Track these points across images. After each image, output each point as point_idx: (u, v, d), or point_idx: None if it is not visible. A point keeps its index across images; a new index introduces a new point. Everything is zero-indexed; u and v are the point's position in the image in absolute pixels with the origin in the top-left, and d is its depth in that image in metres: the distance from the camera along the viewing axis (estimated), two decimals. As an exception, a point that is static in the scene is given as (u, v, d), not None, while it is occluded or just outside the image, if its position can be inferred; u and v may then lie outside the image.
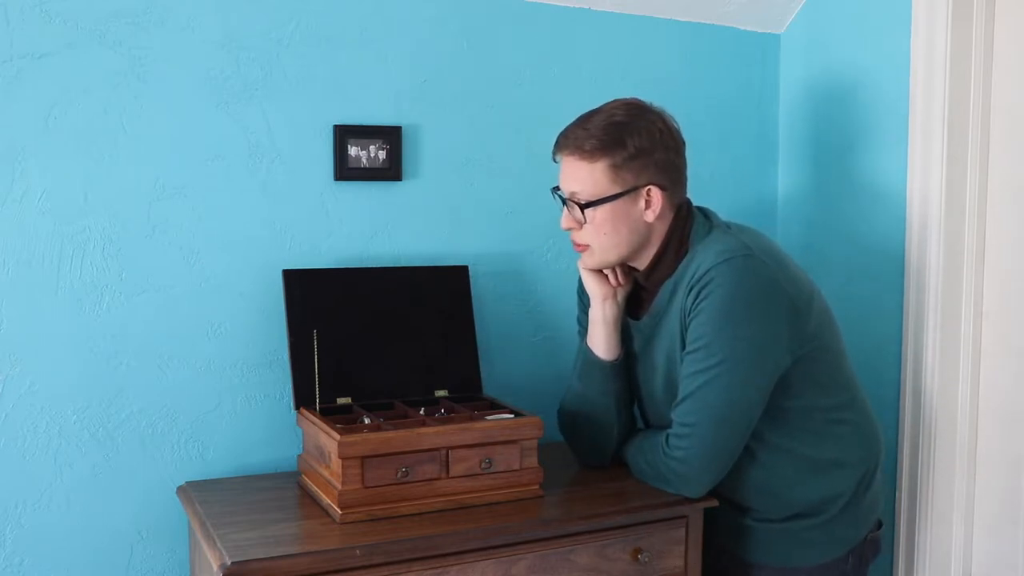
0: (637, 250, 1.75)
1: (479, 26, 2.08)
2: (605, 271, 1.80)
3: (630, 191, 1.70)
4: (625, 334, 1.84)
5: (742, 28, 2.38)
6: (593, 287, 1.81)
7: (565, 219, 1.76)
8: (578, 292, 1.96)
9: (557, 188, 1.78)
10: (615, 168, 1.69)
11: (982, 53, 2.00)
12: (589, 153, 1.69)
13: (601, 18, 2.21)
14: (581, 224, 1.73)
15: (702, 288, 1.65)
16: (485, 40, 2.09)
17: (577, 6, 2.17)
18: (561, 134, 1.75)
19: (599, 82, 2.19)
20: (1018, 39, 1.98)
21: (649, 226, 1.74)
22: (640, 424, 1.94)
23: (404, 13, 2.01)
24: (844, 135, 2.26)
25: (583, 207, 1.71)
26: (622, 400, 1.84)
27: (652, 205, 1.72)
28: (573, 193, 1.72)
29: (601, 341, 1.81)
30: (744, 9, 2.32)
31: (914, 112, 2.06)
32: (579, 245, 1.77)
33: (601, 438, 1.85)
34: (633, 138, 1.69)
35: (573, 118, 1.76)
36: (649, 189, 1.71)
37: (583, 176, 1.70)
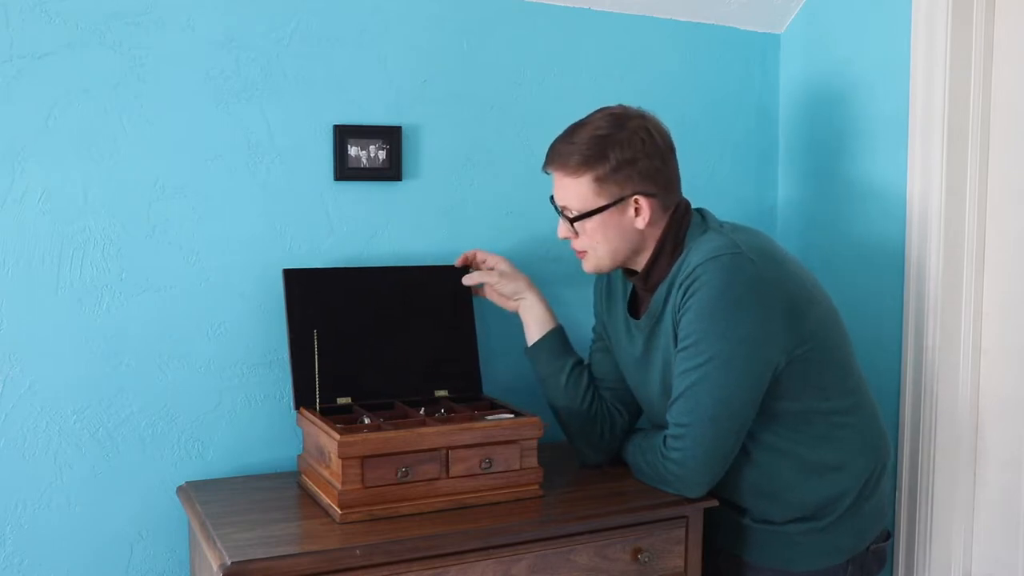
0: (632, 255, 1.79)
1: (479, 26, 2.08)
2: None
3: (617, 203, 1.73)
4: (628, 335, 1.84)
5: (742, 28, 2.37)
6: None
7: (561, 229, 1.81)
8: (594, 304, 1.98)
9: (553, 198, 1.81)
10: (599, 181, 1.72)
11: (982, 53, 2.00)
12: (574, 168, 1.73)
13: (601, 18, 2.20)
14: (576, 234, 1.78)
15: (689, 285, 1.66)
16: (485, 40, 2.09)
17: (577, 6, 2.17)
18: (550, 148, 1.78)
19: (599, 82, 2.19)
20: (1018, 39, 1.98)
21: (641, 232, 1.76)
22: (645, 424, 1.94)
23: (404, 13, 2.01)
24: (844, 135, 2.26)
25: (572, 220, 1.75)
26: (575, 377, 1.88)
27: (641, 213, 1.74)
28: (564, 207, 1.77)
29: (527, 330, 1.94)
30: (744, 9, 2.32)
31: (914, 112, 2.05)
32: (578, 252, 1.82)
33: (576, 425, 1.87)
34: (615, 150, 1.70)
35: (573, 118, 1.77)
36: (636, 198, 1.73)
37: (570, 192, 1.75)
